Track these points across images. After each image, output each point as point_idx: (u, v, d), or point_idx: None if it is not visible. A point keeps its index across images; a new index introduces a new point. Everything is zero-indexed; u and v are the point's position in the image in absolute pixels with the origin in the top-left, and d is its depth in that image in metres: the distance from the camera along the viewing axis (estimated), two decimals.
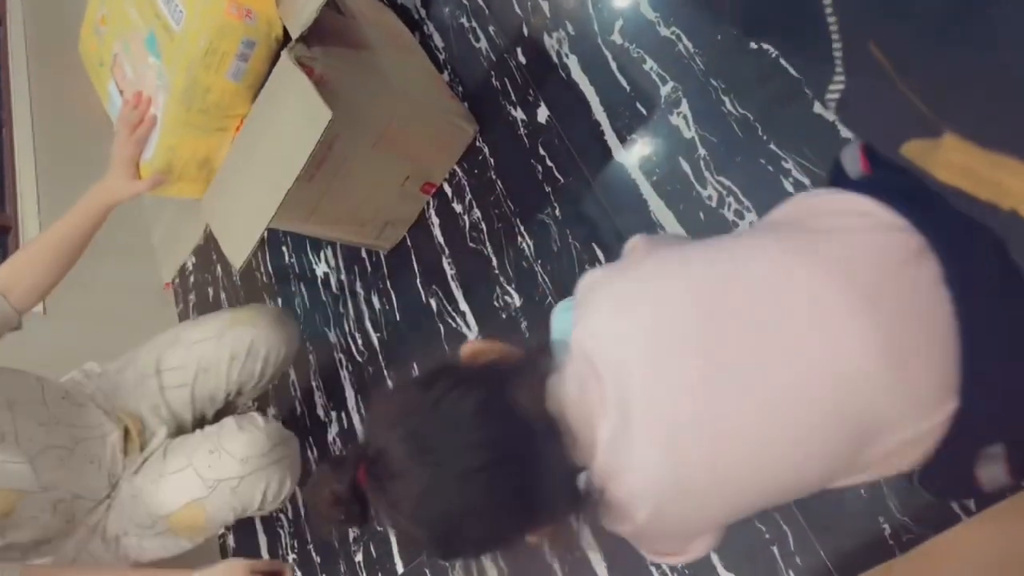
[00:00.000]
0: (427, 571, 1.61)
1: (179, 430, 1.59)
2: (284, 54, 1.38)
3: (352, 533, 1.79)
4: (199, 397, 1.60)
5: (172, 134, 1.46)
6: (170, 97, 1.42)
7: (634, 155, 1.40)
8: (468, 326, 1.65)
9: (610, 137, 1.45)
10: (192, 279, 2.58)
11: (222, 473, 1.43)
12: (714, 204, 1.28)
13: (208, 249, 2.53)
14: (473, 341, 0.73)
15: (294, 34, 1.36)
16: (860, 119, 0.62)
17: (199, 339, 1.60)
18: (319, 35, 1.42)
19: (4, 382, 1.37)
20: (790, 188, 1.20)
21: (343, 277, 2.01)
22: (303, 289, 2.13)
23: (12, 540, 1.28)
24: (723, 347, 0.60)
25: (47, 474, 1.32)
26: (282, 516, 1.98)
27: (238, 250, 1.47)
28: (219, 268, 2.47)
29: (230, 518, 1.49)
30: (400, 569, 1.67)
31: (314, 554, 1.86)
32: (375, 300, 1.89)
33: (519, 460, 0.62)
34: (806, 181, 1.19)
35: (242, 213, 1.48)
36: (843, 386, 0.57)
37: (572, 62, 1.54)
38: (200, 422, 1.62)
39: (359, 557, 1.76)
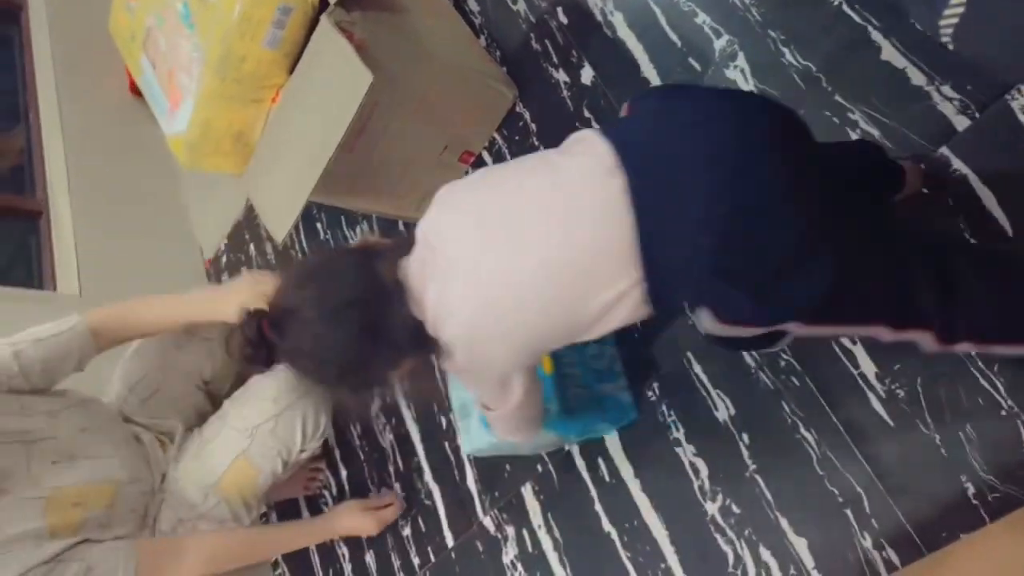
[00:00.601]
0: (478, 543, 1.59)
1: (200, 419, 1.58)
2: (323, 18, 1.34)
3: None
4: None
5: (207, 106, 1.43)
6: (205, 67, 1.39)
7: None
8: None
9: (652, 76, 1.40)
10: (224, 259, 2.56)
11: (257, 419, 1.44)
12: None
13: (241, 228, 2.51)
14: (368, 234, 1.00)
15: None
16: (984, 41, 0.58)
17: None
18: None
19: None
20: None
21: None
22: None
23: (119, 533, 1.29)
24: (506, 228, 0.82)
25: (131, 466, 1.34)
26: (326, 493, 1.97)
27: (279, 224, 1.45)
28: (252, 247, 2.45)
29: (278, 465, 1.48)
30: (450, 542, 1.65)
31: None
32: None
33: (375, 305, 0.86)
34: (875, 132, 1.14)
35: (283, 186, 1.45)
36: (564, 259, 0.80)
37: (617, 19, 1.49)
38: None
39: (407, 531, 1.75)
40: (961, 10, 0.61)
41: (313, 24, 1.40)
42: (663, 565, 1.28)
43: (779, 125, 0.79)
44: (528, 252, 0.80)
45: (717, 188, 0.74)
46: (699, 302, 0.86)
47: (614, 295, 0.79)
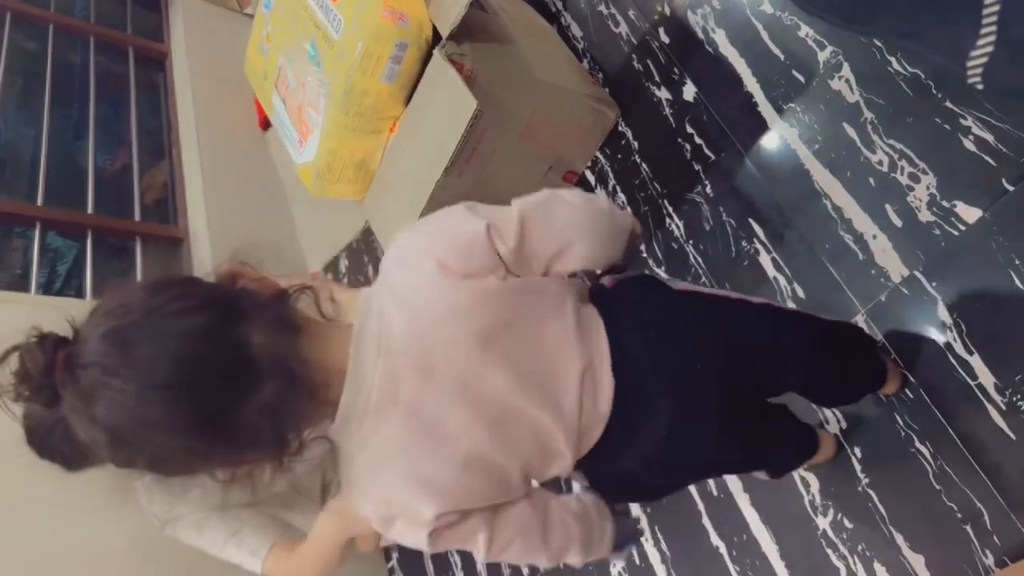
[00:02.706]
0: None
1: None
2: (436, 52, 1.43)
3: None
4: None
5: (332, 137, 1.55)
6: (330, 102, 1.51)
7: (792, 125, 1.36)
8: None
9: (764, 108, 1.41)
10: (346, 280, 2.71)
11: None
12: (885, 168, 1.21)
13: (360, 251, 2.66)
14: (236, 263, 0.71)
15: (444, 32, 1.41)
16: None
17: None
18: (467, 32, 1.47)
19: None
20: (971, 146, 1.12)
21: None
22: None
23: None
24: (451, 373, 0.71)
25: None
26: None
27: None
28: (371, 269, 2.60)
29: None
30: None
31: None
32: None
33: (223, 392, 0.61)
34: (988, 137, 1.11)
35: (398, 210, 1.55)
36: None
37: (719, 36, 1.51)
38: None
39: None
40: (990, 49, 0.60)
41: (427, 58, 1.50)
42: None
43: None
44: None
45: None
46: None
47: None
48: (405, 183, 1.52)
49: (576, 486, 0.87)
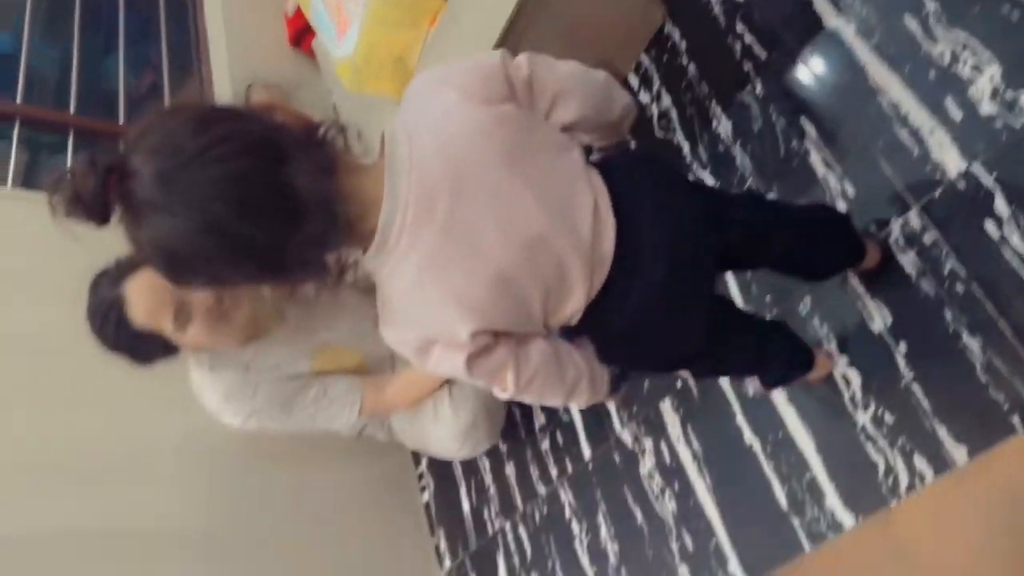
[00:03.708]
0: (615, 456, 1.64)
1: None
2: None
3: (538, 423, 1.85)
4: None
5: (371, 30, 1.52)
6: None
7: (849, 19, 1.31)
8: None
9: (820, 3, 1.36)
10: None
11: None
12: (946, 61, 1.17)
13: None
14: (267, 92, 0.77)
15: None
16: None
17: None
18: None
19: None
20: None
21: None
22: None
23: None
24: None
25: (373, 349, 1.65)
26: None
27: None
28: None
29: None
30: (587, 455, 1.71)
31: (501, 443, 1.94)
32: None
33: (271, 230, 0.66)
34: None
35: None
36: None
37: None
38: None
39: (545, 445, 1.82)
40: None
41: None
42: (808, 475, 1.28)
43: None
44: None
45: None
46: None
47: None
48: None
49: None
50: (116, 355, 1.41)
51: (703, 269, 0.91)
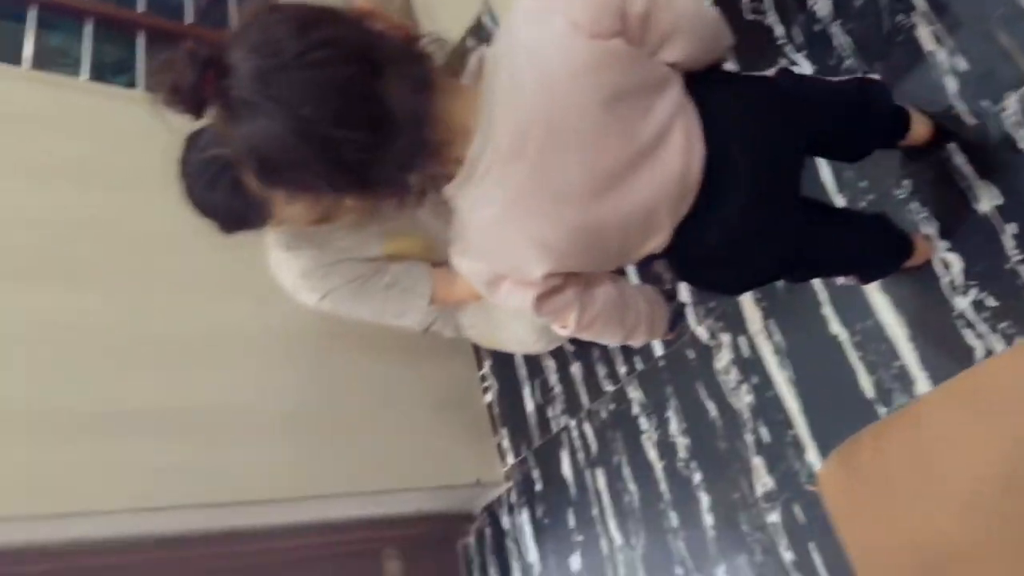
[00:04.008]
0: (689, 352, 1.62)
1: None
2: None
3: None
4: None
5: None
6: None
7: None
8: None
9: None
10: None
11: None
12: None
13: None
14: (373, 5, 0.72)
15: None
16: None
17: None
18: None
19: None
20: None
21: None
22: None
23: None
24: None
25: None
26: None
27: None
28: None
29: None
30: (659, 352, 1.70)
31: (567, 344, 1.93)
32: None
33: (360, 143, 0.66)
34: None
35: None
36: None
37: None
38: None
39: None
40: None
41: None
42: (897, 364, 1.25)
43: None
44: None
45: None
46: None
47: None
48: None
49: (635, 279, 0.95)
50: (206, 217, 1.37)
51: (788, 184, 0.92)
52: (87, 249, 1.82)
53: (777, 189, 0.91)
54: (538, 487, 2.00)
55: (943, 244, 1.21)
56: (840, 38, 1.38)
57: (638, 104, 0.79)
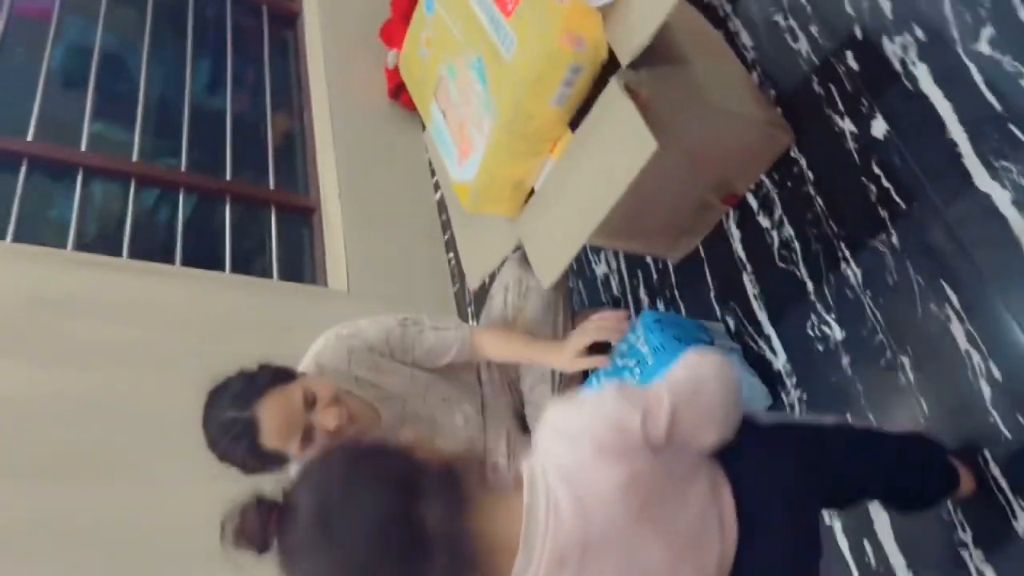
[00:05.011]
0: None
1: None
2: (613, 81, 1.36)
3: None
4: None
5: (494, 159, 1.51)
6: (496, 125, 1.46)
7: (1005, 186, 1.23)
8: (773, 351, 1.57)
9: (971, 161, 1.28)
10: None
11: None
12: None
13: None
14: (412, 436, 0.83)
15: (624, 60, 1.33)
16: None
17: None
18: (642, 56, 1.38)
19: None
20: None
21: (626, 281, 2.01)
22: (581, 288, 2.16)
23: None
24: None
25: (470, 438, 1.65)
26: None
27: (548, 272, 1.51)
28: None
29: None
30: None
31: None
32: (660, 309, 1.87)
33: (402, 567, 0.73)
34: None
35: (553, 236, 1.51)
36: None
37: (921, 71, 1.37)
38: None
39: None
40: None
41: (597, 79, 1.43)
42: None
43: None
44: None
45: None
46: None
47: None
48: (565, 210, 1.48)
49: None
50: (229, 466, 1.43)
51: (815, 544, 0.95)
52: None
53: (811, 523, 0.94)
54: None
55: (978, 553, 1.19)
56: (872, 311, 1.39)
57: (670, 505, 0.82)
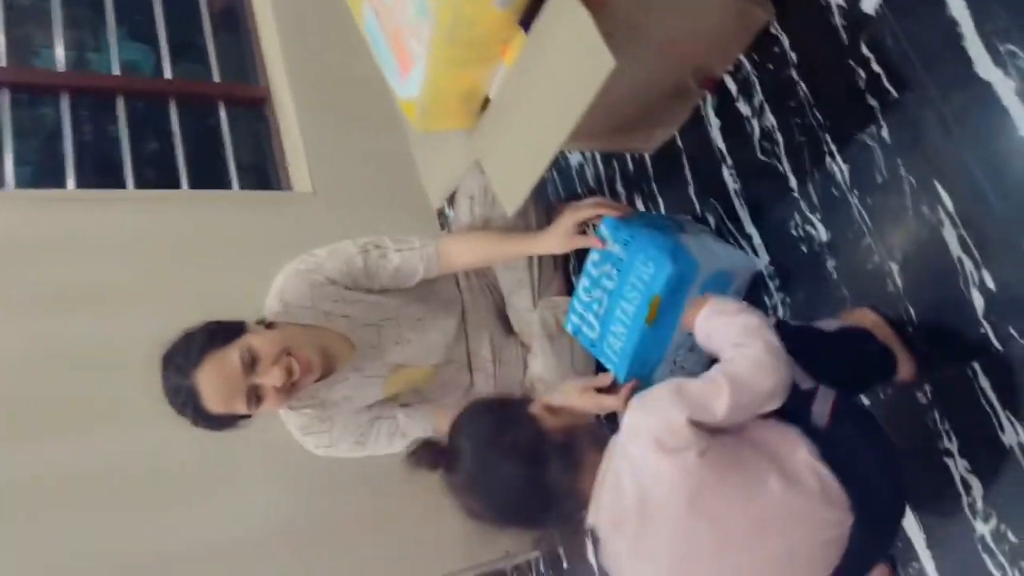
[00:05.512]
0: None
1: None
2: None
3: None
4: None
5: (438, 72, 1.34)
6: (435, 34, 1.29)
7: (1009, 74, 1.09)
8: (755, 251, 1.49)
9: (972, 44, 1.13)
10: None
11: None
12: None
13: None
14: (552, 399, 1.08)
15: None
16: None
17: None
18: None
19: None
20: None
21: (601, 171, 1.88)
22: (555, 177, 2.04)
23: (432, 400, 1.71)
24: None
25: (449, 352, 1.72)
26: None
27: (510, 196, 1.39)
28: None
29: None
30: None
31: None
32: (639, 205, 1.76)
33: (532, 510, 0.98)
34: None
35: (513, 156, 1.38)
36: None
37: None
38: None
39: None
40: None
41: None
42: (916, 565, 1.25)
43: None
44: None
45: None
46: None
47: None
48: (522, 129, 1.33)
49: None
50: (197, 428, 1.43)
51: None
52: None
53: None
54: (565, 564, 2.08)
55: (963, 463, 1.18)
56: (859, 211, 1.29)
57: (724, 495, 0.92)
